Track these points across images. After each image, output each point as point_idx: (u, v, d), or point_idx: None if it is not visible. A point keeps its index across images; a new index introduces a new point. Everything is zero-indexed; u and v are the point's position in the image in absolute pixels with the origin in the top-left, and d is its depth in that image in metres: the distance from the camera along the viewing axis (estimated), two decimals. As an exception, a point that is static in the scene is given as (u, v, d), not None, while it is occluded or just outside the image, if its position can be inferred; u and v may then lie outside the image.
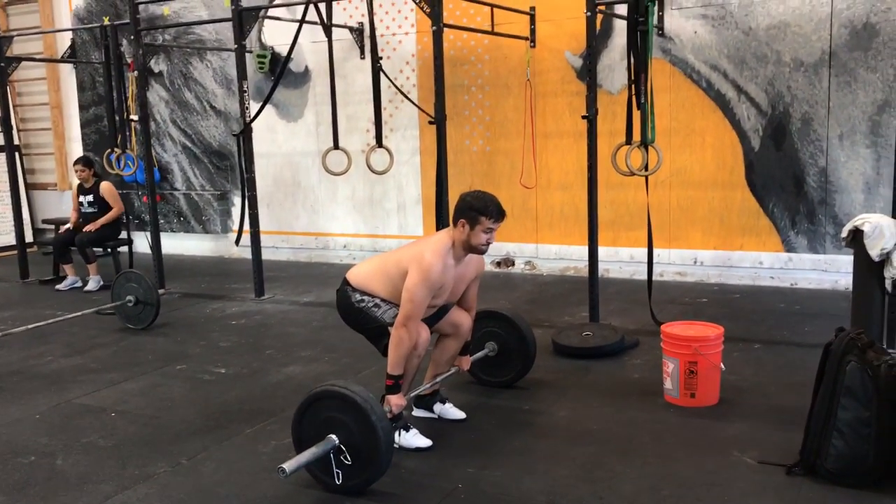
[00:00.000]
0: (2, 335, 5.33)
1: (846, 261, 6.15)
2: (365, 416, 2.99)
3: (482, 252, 3.53)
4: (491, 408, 3.98)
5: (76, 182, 7.51)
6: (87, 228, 7.28)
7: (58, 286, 7.39)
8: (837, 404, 3.03)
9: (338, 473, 3.03)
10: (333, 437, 3.04)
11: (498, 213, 3.44)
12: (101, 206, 7.40)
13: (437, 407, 3.88)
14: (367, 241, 8.12)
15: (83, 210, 7.44)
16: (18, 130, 9.91)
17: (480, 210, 3.41)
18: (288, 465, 2.92)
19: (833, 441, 3.02)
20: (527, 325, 4.22)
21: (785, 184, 6.32)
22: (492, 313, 4.25)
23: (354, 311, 3.63)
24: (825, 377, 3.10)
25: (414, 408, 3.91)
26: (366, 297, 3.59)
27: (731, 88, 6.41)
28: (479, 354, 4.17)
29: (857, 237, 4.31)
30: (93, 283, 7.34)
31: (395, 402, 3.43)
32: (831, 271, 6.24)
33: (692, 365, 3.85)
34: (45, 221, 9.90)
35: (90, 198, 7.39)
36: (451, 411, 3.87)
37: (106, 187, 7.42)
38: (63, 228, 7.60)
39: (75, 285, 7.40)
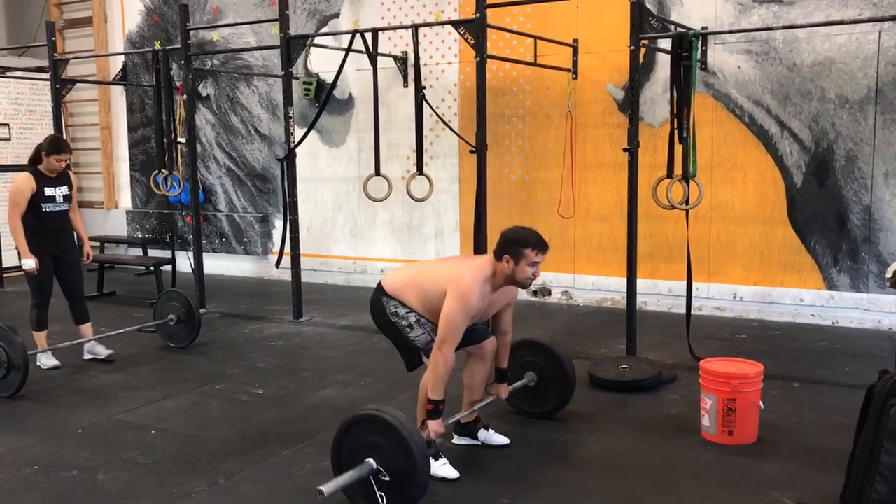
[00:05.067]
0: (48, 350, 5.45)
1: (890, 301, 6.07)
2: (400, 438, 3.03)
3: (527, 286, 3.54)
4: (527, 439, 3.97)
5: (22, 179, 5.19)
6: (87, 257, 5.59)
7: (42, 362, 5.42)
8: (880, 448, 2.97)
9: (381, 496, 3.06)
10: (371, 460, 3.07)
11: (541, 245, 3.45)
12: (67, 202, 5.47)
13: (482, 434, 3.89)
14: (404, 267, 8.17)
15: (51, 209, 5.28)
16: (69, 149, 10.16)
17: (524, 244, 3.42)
18: (326, 487, 2.95)
19: (875, 486, 2.97)
20: (567, 356, 4.21)
21: (827, 221, 6.25)
22: (532, 343, 4.25)
23: (387, 322, 3.63)
24: (868, 420, 3.05)
25: (455, 436, 3.92)
26: (400, 311, 3.58)
27: (775, 124, 6.38)
28: (518, 384, 4.16)
29: (901, 278, 4.24)
30: (47, 361, 5.47)
31: (434, 428, 3.45)
32: (874, 311, 6.14)
33: (731, 402, 3.82)
34: (91, 239, 10.11)
35: (64, 189, 5.36)
36: (495, 437, 3.89)
37: (74, 178, 5.54)
38: (31, 266, 5.17)
39: (55, 364, 5.46)
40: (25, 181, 5.19)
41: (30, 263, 5.16)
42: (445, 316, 3.39)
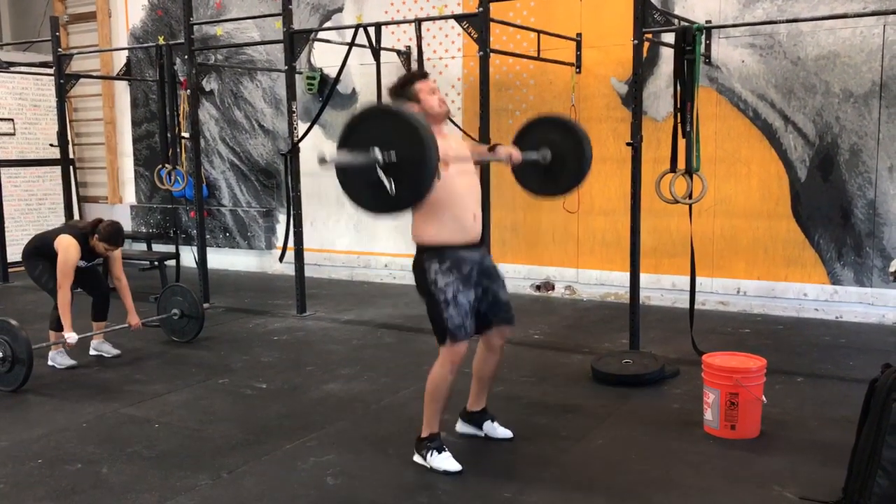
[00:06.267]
0: (52, 344, 5.47)
1: (894, 295, 6.06)
2: (407, 124, 3.05)
3: (443, 112, 3.53)
4: (530, 432, 3.97)
5: (72, 252, 5.15)
6: (136, 328, 5.60)
7: (58, 362, 5.37)
8: (882, 442, 2.97)
9: (390, 181, 3.06)
10: (377, 147, 3.07)
11: (421, 76, 3.55)
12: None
13: (487, 425, 3.89)
14: (407, 261, 8.10)
15: (80, 266, 5.33)
16: (73, 145, 10.19)
17: (408, 83, 3.51)
18: (329, 155, 3.00)
19: (877, 480, 2.97)
20: (585, 133, 4.05)
21: (832, 215, 6.24)
22: (549, 119, 4.15)
23: (427, 290, 3.52)
24: (870, 414, 3.05)
25: (460, 422, 3.93)
26: (439, 280, 3.46)
27: (779, 118, 6.36)
28: (532, 157, 3.99)
29: (905, 272, 4.24)
30: (63, 360, 5.39)
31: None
32: (878, 305, 6.13)
33: (733, 396, 3.82)
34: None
35: (93, 262, 5.53)
36: (499, 430, 3.89)
37: (119, 253, 5.52)
38: (73, 340, 5.18)
39: (71, 364, 5.40)
40: (74, 254, 5.18)
41: (73, 337, 5.16)
42: None
